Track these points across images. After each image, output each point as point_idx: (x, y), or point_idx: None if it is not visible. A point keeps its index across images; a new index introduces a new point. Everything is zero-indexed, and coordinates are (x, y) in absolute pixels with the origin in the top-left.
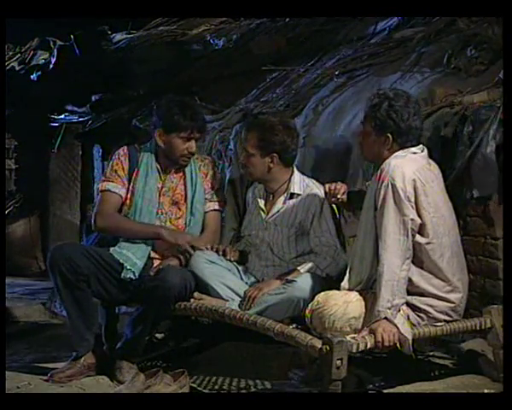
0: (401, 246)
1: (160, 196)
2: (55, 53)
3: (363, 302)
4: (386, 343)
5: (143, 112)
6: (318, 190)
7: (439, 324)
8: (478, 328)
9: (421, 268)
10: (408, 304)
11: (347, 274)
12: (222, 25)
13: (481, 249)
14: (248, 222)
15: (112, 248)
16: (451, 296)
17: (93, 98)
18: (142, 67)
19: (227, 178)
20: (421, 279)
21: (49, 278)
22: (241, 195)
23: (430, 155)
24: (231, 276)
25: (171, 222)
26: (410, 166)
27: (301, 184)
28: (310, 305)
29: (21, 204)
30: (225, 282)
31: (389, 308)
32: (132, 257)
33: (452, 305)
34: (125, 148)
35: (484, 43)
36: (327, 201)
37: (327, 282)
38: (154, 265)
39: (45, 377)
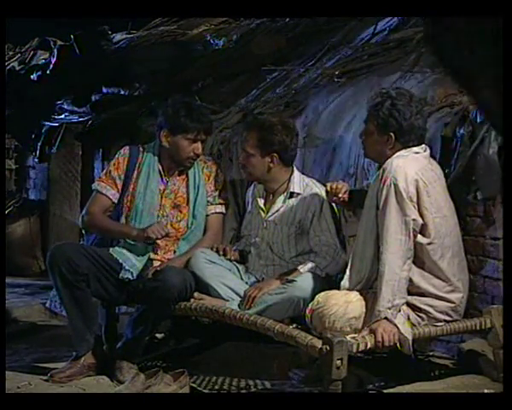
0: (402, 246)
1: (161, 198)
2: (55, 53)
3: (363, 302)
4: (387, 343)
5: (143, 112)
6: (318, 189)
7: (439, 324)
8: (478, 328)
9: (422, 268)
10: (408, 304)
11: (347, 273)
12: (222, 25)
13: (481, 249)
14: (248, 222)
15: (112, 248)
16: (452, 296)
17: (93, 98)
18: (142, 67)
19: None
20: (422, 279)
21: (49, 278)
22: (241, 195)
23: (430, 155)
24: (231, 276)
25: (172, 225)
26: (412, 167)
27: (301, 183)
28: (310, 305)
29: (21, 204)
30: (225, 282)
31: (389, 308)
32: (132, 258)
33: (453, 305)
34: (127, 148)
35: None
36: (328, 200)
37: (327, 282)
38: (154, 266)
39: (45, 377)
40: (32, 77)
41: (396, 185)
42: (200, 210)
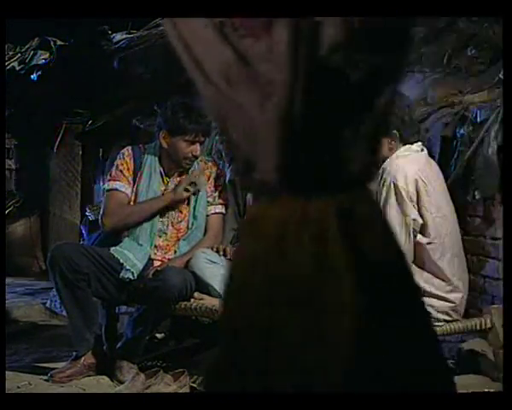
0: (402, 246)
1: None
2: (55, 53)
3: None
4: None
5: (143, 112)
6: None
7: (439, 324)
8: (478, 328)
9: (422, 268)
10: None
11: None
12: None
13: (481, 249)
14: None
15: (112, 248)
16: (452, 296)
17: (93, 98)
18: (142, 67)
19: (227, 178)
20: (422, 279)
21: (49, 278)
22: (241, 195)
23: (430, 155)
24: None
25: (173, 225)
26: (412, 166)
27: None
28: None
29: (21, 204)
30: None
31: None
32: (132, 258)
33: (453, 305)
34: (130, 148)
35: (484, 43)
36: None
37: None
38: (154, 266)
39: (45, 377)
40: (32, 77)
41: (396, 185)
42: (201, 210)
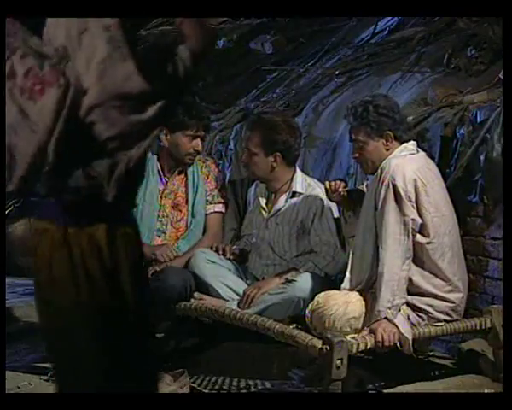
0: (401, 246)
1: (161, 198)
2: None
3: (363, 302)
4: (387, 343)
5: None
6: (320, 189)
7: (439, 324)
8: (478, 328)
9: (422, 268)
10: (408, 304)
11: (347, 274)
12: (222, 25)
13: (481, 249)
14: (249, 221)
15: None
16: (452, 296)
17: None
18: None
19: (227, 178)
20: (422, 279)
21: None
22: (241, 194)
23: (430, 155)
24: (232, 276)
25: (172, 225)
26: (410, 166)
27: (303, 183)
28: (310, 305)
29: (21, 204)
30: (226, 282)
31: (389, 308)
32: None
33: (452, 305)
34: None
35: (484, 43)
36: (328, 198)
37: (327, 282)
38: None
39: (45, 377)
40: None
41: (394, 185)
42: (200, 209)
